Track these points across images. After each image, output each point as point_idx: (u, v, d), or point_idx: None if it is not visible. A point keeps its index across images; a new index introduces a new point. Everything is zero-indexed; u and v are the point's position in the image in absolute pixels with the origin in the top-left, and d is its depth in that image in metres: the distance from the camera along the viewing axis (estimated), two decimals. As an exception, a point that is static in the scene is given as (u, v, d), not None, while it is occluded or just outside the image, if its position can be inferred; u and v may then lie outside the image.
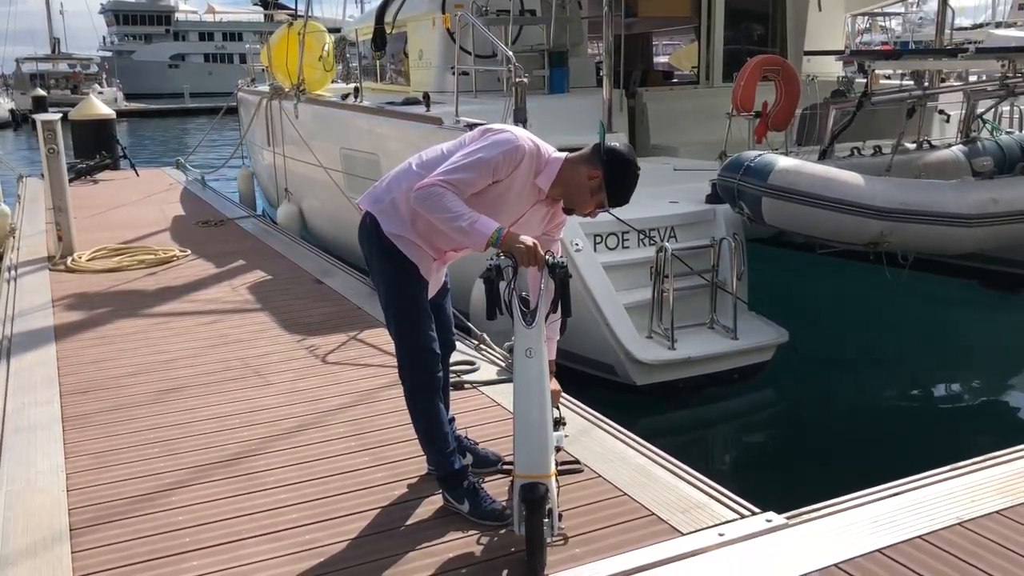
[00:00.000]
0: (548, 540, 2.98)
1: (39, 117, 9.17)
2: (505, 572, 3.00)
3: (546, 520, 2.94)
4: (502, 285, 2.95)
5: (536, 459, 2.93)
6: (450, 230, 2.98)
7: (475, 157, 3.02)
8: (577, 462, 3.35)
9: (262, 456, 4.03)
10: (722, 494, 3.47)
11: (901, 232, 5.49)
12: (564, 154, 3.19)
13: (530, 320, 2.94)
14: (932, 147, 7.02)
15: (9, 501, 3.67)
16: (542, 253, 2.95)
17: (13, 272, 8.08)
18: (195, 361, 5.43)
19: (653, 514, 3.35)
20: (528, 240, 2.95)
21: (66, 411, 4.68)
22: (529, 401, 2.93)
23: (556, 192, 3.19)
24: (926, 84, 7.53)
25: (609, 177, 3.11)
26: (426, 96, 7.75)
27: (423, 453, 3.58)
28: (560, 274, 2.93)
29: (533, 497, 2.89)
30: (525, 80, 6.17)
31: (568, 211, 3.29)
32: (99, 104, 16.79)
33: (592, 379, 5.82)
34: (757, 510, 3.33)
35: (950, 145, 7.03)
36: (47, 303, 6.93)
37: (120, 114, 22.80)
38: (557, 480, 3.10)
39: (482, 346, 5.38)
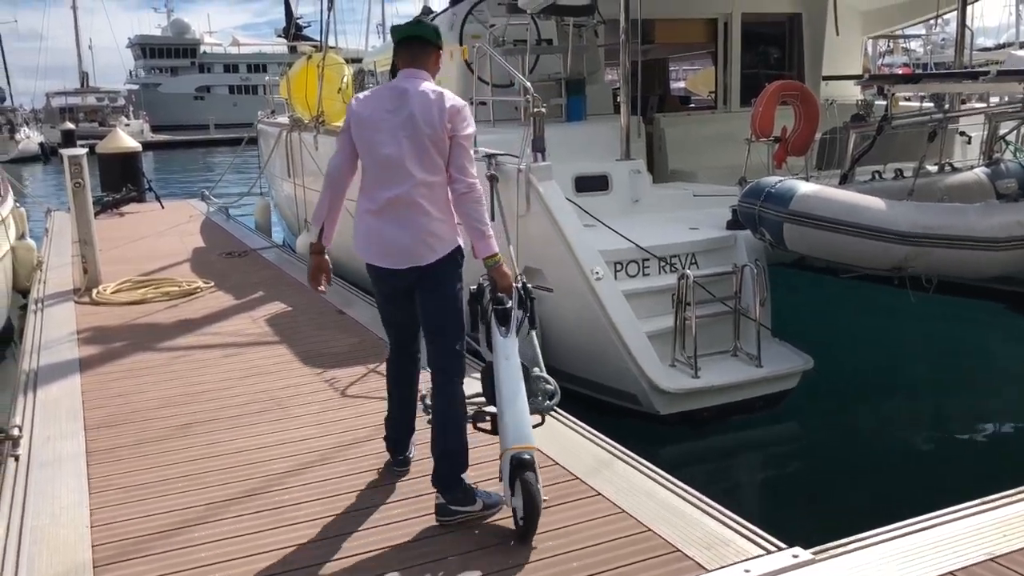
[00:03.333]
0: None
1: (66, 152, 9.32)
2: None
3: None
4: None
5: (520, 432, 3.54)
6: (477, 229, 3.62)
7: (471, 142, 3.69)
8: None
9: (286, 491, 4.03)
10: (748, 529, 3.42)
11: (926, 257, 5.43)
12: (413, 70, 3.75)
13: (505, 333, 3.72)
14: (955, 170, 6.95)
15: (34, 536, 3.69)
16: (511, 284, 3.74)
17: (40, 304, 8.18)
18: (220, 394, 5.46)
19: (678, 550, 3.31)
20: (509, 274, 3.73)
21: (91, 444, 4.72)
22: (510, 391, 3.63)
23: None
24: (946, 107, 7.47)
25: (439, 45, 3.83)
26: (445, 126, 7.78)
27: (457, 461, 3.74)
28: (527, 294, 3.85)
29: (525, 462, 3.46)
30: (543, 110, 6.20)
31: None
32: (125, 137, 17.05)
33: (614, 408, 5.79)
34: (783, 545, 3.28)
35: (972, 167, 6.96)
36: (72, 335, 7.01)
37: (146, 146, 23.16)
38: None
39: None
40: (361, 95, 3.77)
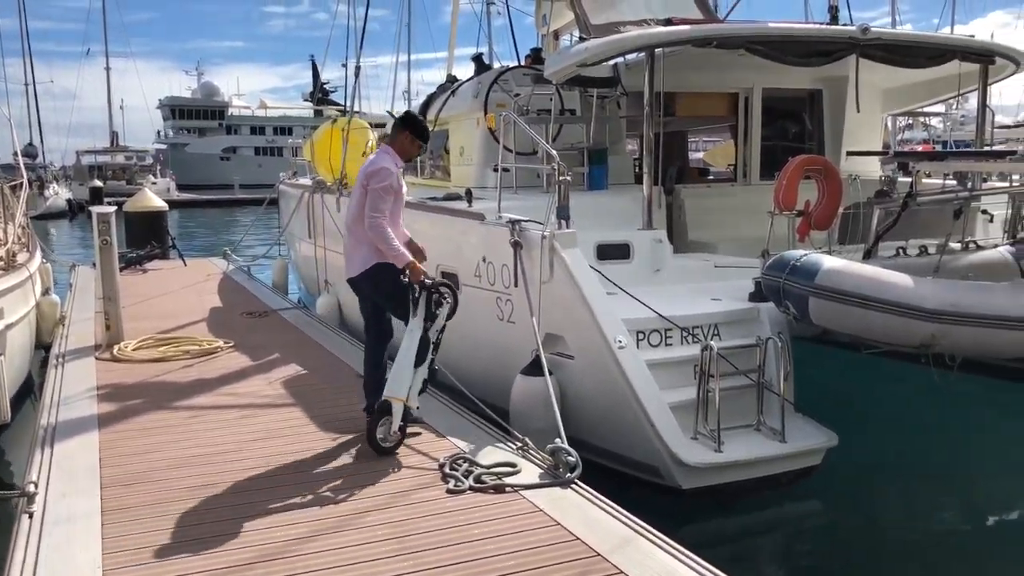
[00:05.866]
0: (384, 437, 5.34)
1: (95, 209, 9.45)
2: None
3: (382, 426, 5.35)
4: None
5: (398, 388, 5.34)
6: (388, 251, 5.47)
7: (381, 192, 5.55)
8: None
9: (301, 558, 3.97)
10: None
11: (953, 335, 5.36)
12: (385, 145, 5.92)
13: (414, 313, 5.41)
14: (979, 247, 6.92)
15: (46, 599, 3.63)
16: (421, 275, 5.43)
17: (60, 360, 8.21)
18: (236, 456, 5.42)
19: (703, 632, 3.21)
20: (420, 271, 5.47)
21: (106, 503, 4.67)
22: (407, 355, 5.36)
23: (403, 159, 5.83)
24: (970, 185, 7.48)
25: (415, 130, 5.83)
26: (468, 192, 7.87)
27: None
28: (430, 287, 5.44)
29: (384, 406, 5.36)
30: (569, 178, 6.25)
31: (408, 161, 6.07)
32: (153, 197, 17.36)
33: (633, 480, 5.69)
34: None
35: (997, 246, 6.92)
36: (92, 392, 7.00)
37: (172, 204, 23.53)
38: (410, 408, 5.45)
39: (524, 449, 5.29)
40: None
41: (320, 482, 4.94)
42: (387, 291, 5.60)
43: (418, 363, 5.41)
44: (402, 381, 5.35)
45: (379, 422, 5.34)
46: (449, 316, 5.55)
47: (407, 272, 5.41)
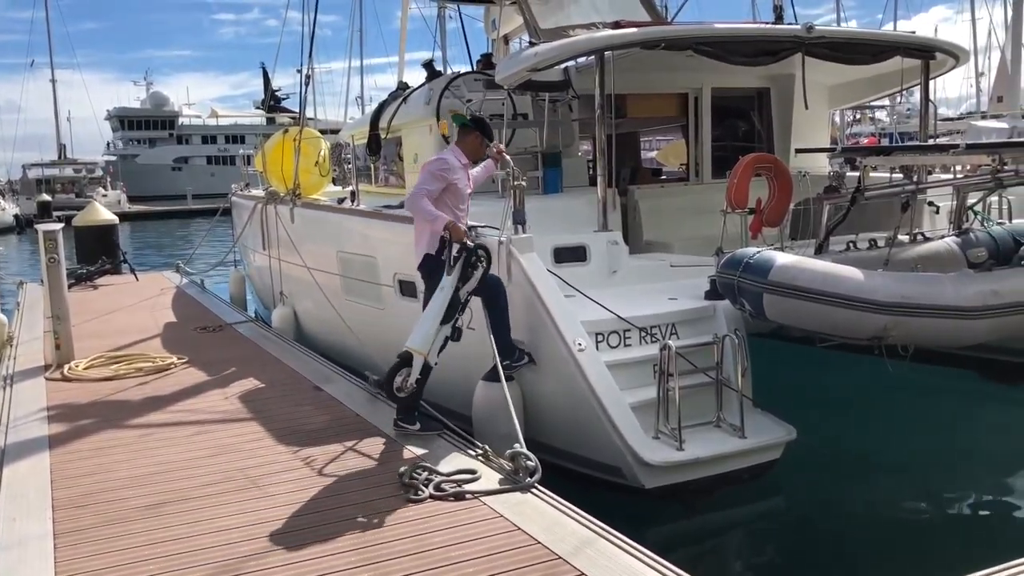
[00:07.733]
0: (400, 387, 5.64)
1: (41, 227, 9.23)
2: None
3: (400, 376, 5.66)
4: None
5: (422, 342, 5.56)
6: (426, 219, 5.85)
7: (431, 174, 5.96)
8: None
9: (260, 572, 3.91)
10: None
11: (904, 326, 5.45)
12: (452, 145, 6.36)
13: (449, 271, 5.65)
14: (926, 239, 7.06)
15: (-4, 628, 3.53)
16: (462, 235, 5.69)
17: (8, 381, 7.99)
18: (193, 472, 5.32)
19: (667, 632, 3.22)
20: (461, 228, 5.76)
21: (59, 525, 4.56)
22: (432, 311, 5.62)
23: (470, 158, 6.22)
24: (916, 178, 7.62)
25: (484, 131, 6.25)
26: (424, 199, 7.82)
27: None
28: (471, 249, 5.70)
29: (406, 355, 5.61)
30: (524, 183, 6.26)
31: (476, 162, 6.32)
32: (102, 210, 17.00)
33: (596, 481, 5.70)
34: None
35: (943, 236, 7.06)
36: (42, 412, 6.83)
37: (123, 216, 23.06)
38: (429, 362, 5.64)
39: (484, 455, 5.27)
40: None
41: (278, 495, 4.87)
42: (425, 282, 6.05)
43: (445, 320, 5.61)
44: (426, 335, 5.56)
45: (398, 371, 5.63)
46: (481, 280, 5.75)
47: (448, 232, 5.67)
